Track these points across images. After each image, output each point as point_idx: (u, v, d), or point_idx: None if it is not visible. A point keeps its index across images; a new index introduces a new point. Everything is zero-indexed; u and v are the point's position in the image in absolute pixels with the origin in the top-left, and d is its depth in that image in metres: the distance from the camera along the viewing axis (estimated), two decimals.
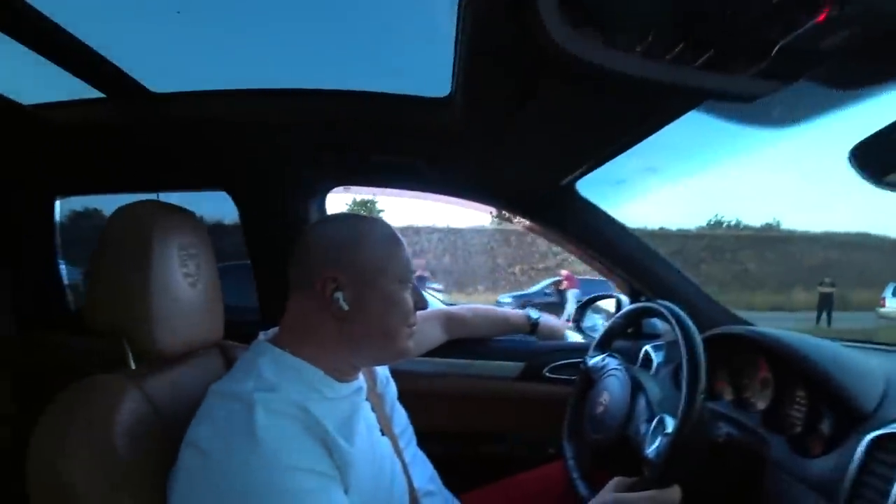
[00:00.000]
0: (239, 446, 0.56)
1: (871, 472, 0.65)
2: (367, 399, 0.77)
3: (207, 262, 0.83)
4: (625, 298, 1.35)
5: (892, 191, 0.57)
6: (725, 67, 0.46)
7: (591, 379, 1.04)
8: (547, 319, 1.32)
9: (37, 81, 1.01)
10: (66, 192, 1.39)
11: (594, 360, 1.06)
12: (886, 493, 0.60)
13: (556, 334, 1.33)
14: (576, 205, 1.24)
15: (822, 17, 0.38)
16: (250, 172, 1.27)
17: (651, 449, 0.77)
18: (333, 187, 1.33)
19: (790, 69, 0.46)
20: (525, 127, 0.83)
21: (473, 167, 1.14)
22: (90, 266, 0.73)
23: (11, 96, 1.01)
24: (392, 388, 0.91)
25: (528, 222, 1.33)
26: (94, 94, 1.00)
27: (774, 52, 0.43)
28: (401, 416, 0.90)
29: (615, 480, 0.75)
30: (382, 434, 0.78)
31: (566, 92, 0.66)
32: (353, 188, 1.42)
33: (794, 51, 0.43)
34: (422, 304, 0.77)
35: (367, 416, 0.75)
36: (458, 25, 0.69)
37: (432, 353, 1.21)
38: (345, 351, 0.70)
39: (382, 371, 0.91)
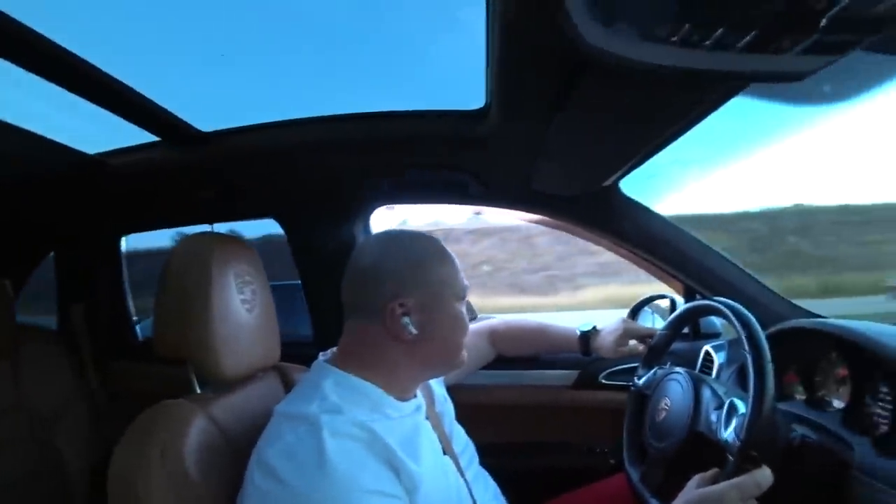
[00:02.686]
0: (310, 470, 0.57)
1: None
2: (426, 417, 0.77)
3: (262, 287, 0.86)
4: (679, 298, 1.29)
5: None
6: (770, 47, 0.44)
7: (643, 396, 1.00)
8: (603, 338, 1.11)
9: (98, 131, 1.10)
10: (130, 230, 1.49)
11: (644, 379, 1.01)
12: None
13: (613, 353, 1.11)
14: (620, 204, 1.21)
15: None
16: (297, 198, 1.32)
17: (728, 432, 0.73)
18: (378, 206, 1.36)
19: (841, 40, 0.43)
20: (564, 130, 0.82)
21: (515, 175, 1.14)
22: (156, 297, 0.78)
23: (78, 147, 1.10)
24: (450, 407, 0.91)
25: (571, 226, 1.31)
26: (150, 137, 1.08)
27: (823, 23, 0.40)
28: (460, 435, 0.89)
29: (696, 478, 0.70)
30: (444, 453, 0.77)
31: (604, 91, 0.64)
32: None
33: (845, 20, 0.41)
34: (472, 313, 0.78)
35: (429, 434, 0.75)
36: (488, 37, 0.70)
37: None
38: (414, 370, 0.72)
39: (439, 389, 0.91)
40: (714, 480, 0.68)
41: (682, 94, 0.64)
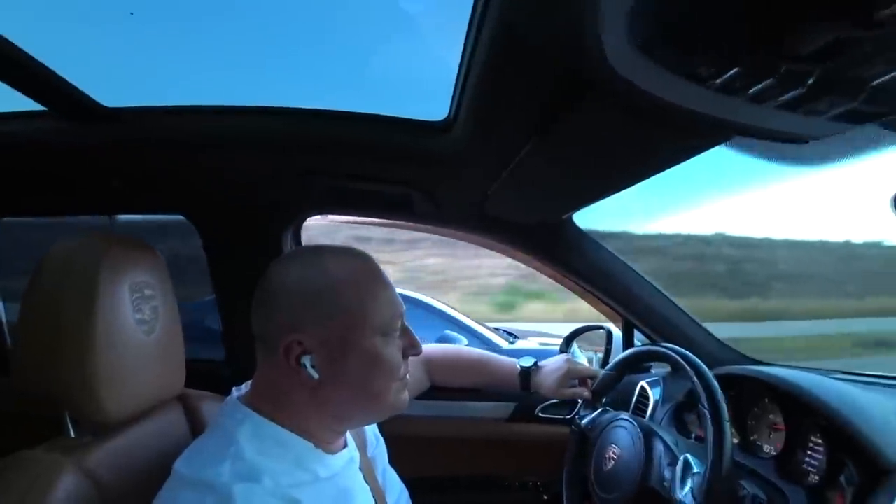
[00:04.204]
0: None
1: None
2: (359, 468, 0.66)
3: (166, 303, 0.70)
4: (616, 331, 1.30)
5: None
6: (807, 106, 0.41)
7: (587, 437, 0.97)
8: (545, 377, 1.05)
9: None
10: (6, 213, 1.21)
11: (588, 419, 0.99)
12: None
13: (554, 394, 1.05)
14: (573, 237, 1.18)
15: None
16: (216, 196, 1.14)
17: (684, 492, 0.72)
18: (310, 215, 1.22)
19: (874, 110, 0.41)
20: (538, 156, 0.75)
21: (469, 198, 1.07)
22: (20, 314, 0.60)
23: None
24: (382, 448, 0.81)
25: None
26: (37, 106, 0.85)
27: (867, 91, 0.38)
28: (393, 482, 0.79)
29: None
30: None
31: (597, 119, 0.58)
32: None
33: (885, 92, 0.38)
34: (415, 350, 0.66)
35: (364, 492, 0.64)
36: (469, 38, 0.61)
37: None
38: (325, 419, 0.60)
39: (371, 428, 0.80)
40: None
41: (677, 136, 0.60)
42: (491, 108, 0.69)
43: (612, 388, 1.03)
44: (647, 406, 1.13)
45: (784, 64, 0.35)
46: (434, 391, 1.13)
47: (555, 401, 1.22)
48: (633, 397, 1.17)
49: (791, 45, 0.33)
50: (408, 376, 0.65)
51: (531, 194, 0.98)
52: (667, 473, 0.77)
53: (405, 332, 0.64)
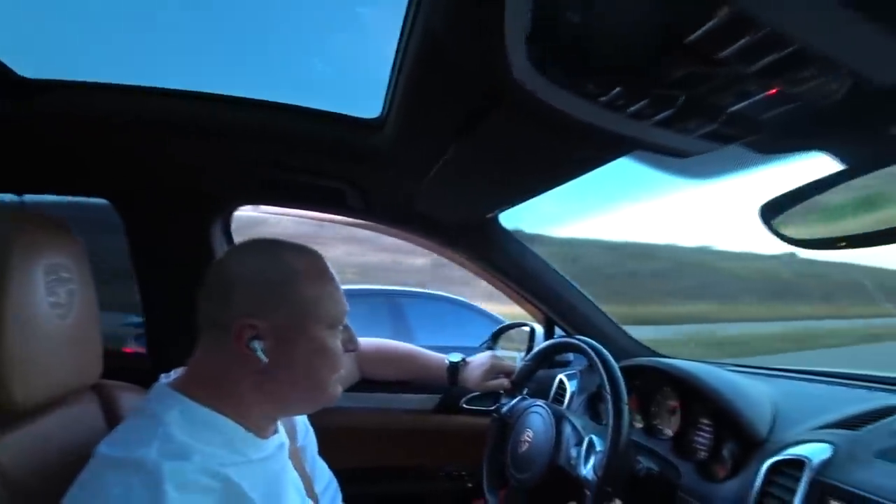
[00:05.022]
0: None
1: (770, 495, 0.71)
2: (288, 456, 0.67)
3: (83, 286, 0.67)
4: (539, 328, 1.38)
5: (785, 242, 0.63)
6: (678, 125, 0.48)
7: (506, 424, 1.04)
8: (471, 371, 1.13)
9: None
10: None
11: (507, 408, 1.05)
12: None
13: (479, 386, 1.13)
14: (498, 236, 1.24)
15: (774, 91, 0.40)
16: (140, 181, 1.09)
17: (587, 469, 0.79)
18: (240, 205, 1.20)
19: (732, 133, 0.49)
20: (460, 158, 0.80)
21: (399, 194, 1.10)
22: None
23: None
24: (312, 438, 0.82)
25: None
26: None
27: (724, 116, 0.45)
28: (322, 471, 0.81)
29: None
30: (307, 496, 0.69)
31: (511, 128, 0.64)
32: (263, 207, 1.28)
33: (739, 118, 0.46)
34: (353, 345, 0.69)
35: (293, 477, 0.66)
36: (401, 42, 0.64)
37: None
38: (266, 405, 0.61)
39: (301, 419, 0.81)
40: None
41: (582, 146, 0.67)
42: (418, 109, 0.73)
43: (530, 378, 1.10)
44: (564, 396, 1.21)
45: (655, 88, 0.41)
46: (363, 383, 1.16)
47: (478, 393, 1.27)
48: (551, 389, 1.26)
49: (659, 73, 0.39)
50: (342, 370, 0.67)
51: (456, 194, 1.03)
52: (573, 453, 0.84)
53: (346, 328, 0.67)
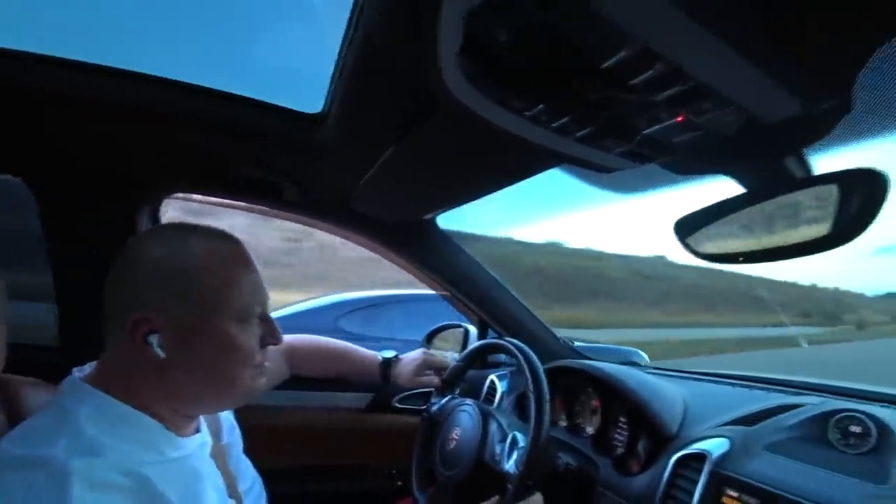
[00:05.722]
0: None
1: (677, 486, 0.77)
2: (211, 455, 0.65)
3: None
4: (473, 329, 1.41)
5: (695, 256, 0.69)
6: (598, 142, 0.51)
7: (436, 422, 1.06)
8: (403, 367, 1.15)
9: None
10: None
11: (437, 407, 1.08)
12: (688, 503, 0.73)
13: (411, 382, 1.15)
14: (435, 238, 1.26)
15: (680, 119, 0.44)
16: (61, 161, 1.01)
17: (509, 463, 0.82)
18: (170, 194, 1.14)
19: (646, 153, 0.53)
20: (397, 160, 0.81)
21: (337, 192, 1.09)
22: None
23: None
24: (237, 436, 0.80)
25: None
26: None
27: (639, 137, 0.49)
28: (247, 470, 0.78)
29: None
30: (229, 496, 0.66)
31: (446, 136, 0.66)
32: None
33: (654, 140, 0.50)
34: (274, 339, 0.65)
35: (214, 478, 0.63)
36: (345, 40, 0.64)
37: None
38: (173, 402, 0.58)
39: (226, 416, 0.79)
40: None
41: (513, 157, 0.69)
42: (359, 108, 0.73)
43: (461, 378, 1.13)
44: (495, 396, 1.25)
45: (577, 107, 0.44)
46: (293, 381, 1.14)
47: (411, 392, 1.29)
48: (483, 388, 1.29)
49: (579, 93, 0.42)
50: (267, 364, 0.64)
51: (394, 195, 1.03)
52: (498, 449, 0.87)
53: (266, 320, 0.63)
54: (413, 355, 1.15)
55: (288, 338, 1.08)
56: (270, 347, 0.64)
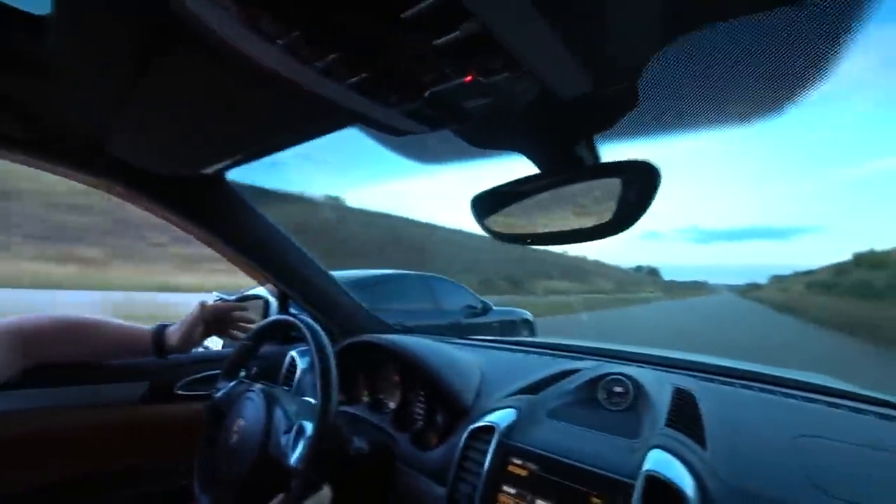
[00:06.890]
0: None
1: (469, 458, 0.78)
2: None
3: None
4: (273, 301, 1.26)
5: (489, 234, 0.67)
6: (377, 95, 0.41)
7: (220, 412, 0.91)
8: (175, 328, 1.01)
9: None
10: None
11: (221, 393, 0.93)
12: (479, 473, 0.74)
13: (186, 346, 1.02)
14: (223, 198, 1.05)
15: (468, 79, 0.37)
16: None
17: (294, 457, 0.72)
18: None
19: (437, 117, 0.46)
20: (148, 96, 0.61)
21: (84, 130, 0.80)
22: None
23: None
24: None
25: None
26: None
27: (426, 95, 0.41)
28: None
29: None
30: None
31: (194, 69, 0.50)
32: None
33: (443, 101, 0.42)
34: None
35: None
36: None
37: (11, 383, 0.86)
38: None
39: None
40: None
41: (294, 106, 0.56)
42: (94, 8, 0.49)
43: (250, 358, 0.98)
44: (295, 375, 1.13)
45: (341, 44, 0.33)
46: (36, 374, 0.90)
47: (197, 376, 1.11)
48: (283, 367, 1.16)
49: (342, 27, 0.31)
50: None
51: (155, 140, 0.80)
52: (283, 440, 0.76)
53: None
54: (187, 315, 1.00)
55: (12, 321, 0.87)
56: None
